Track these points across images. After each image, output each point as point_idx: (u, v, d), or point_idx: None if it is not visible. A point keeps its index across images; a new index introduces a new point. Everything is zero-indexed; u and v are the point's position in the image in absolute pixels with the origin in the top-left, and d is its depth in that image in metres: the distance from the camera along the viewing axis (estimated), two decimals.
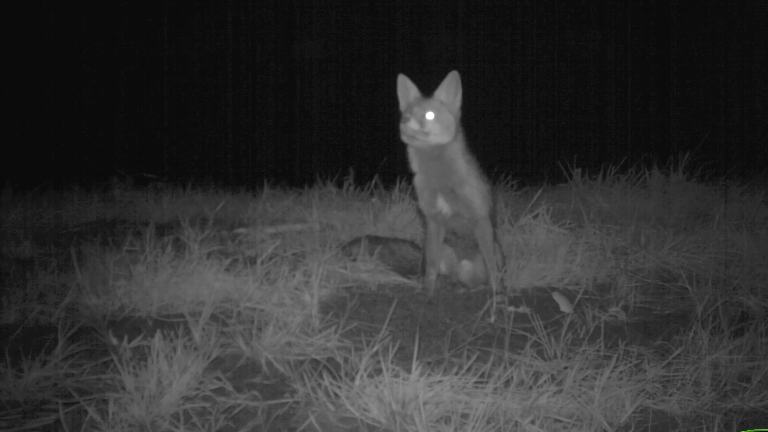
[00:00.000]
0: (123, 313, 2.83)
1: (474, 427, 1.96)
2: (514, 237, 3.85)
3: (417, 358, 2.17)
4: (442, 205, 3.10)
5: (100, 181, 5.31)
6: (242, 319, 2.73)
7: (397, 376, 2.12)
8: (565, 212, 4.24)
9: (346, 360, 2.39)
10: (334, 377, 2.20)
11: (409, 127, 2.94)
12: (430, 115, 2.96)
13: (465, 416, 2.03)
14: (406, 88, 3.06)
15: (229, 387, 2.23)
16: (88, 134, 7.66)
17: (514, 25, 8.18)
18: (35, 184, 4.99)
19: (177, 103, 7.88)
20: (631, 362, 2.38)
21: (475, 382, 2.20)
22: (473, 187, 3.09)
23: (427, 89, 3.03)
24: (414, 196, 3.35)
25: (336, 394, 2.15)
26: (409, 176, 3.18)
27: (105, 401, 2.06)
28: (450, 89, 3.00)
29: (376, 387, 2.12)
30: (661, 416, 2.18)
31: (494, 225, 3.24)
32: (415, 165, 3.09)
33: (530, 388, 2.23)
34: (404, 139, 3.01)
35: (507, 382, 2.25)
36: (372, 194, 4.53)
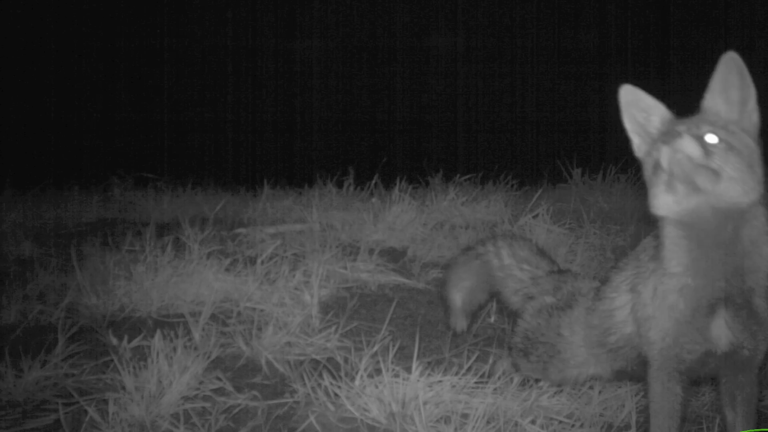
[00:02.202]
0: (123, 313, 2.83)
1: (474, 427, 1.96)
2: None
3: (417, 358, 2.17)
4: (721, 334, 1.73)
5: (100, 181, 5.30)
6: (242, 319, 2.73)
7: (397, 376, 2.12)
8: (565, 212, 4.23)
9: (346, 360, 2.39)
10: (334, 377, 2.20)
11: (682, 152, 1.56)
12: (711, 138, 1.59)
13: (465, 416, 2.03)
14: (640, 108, 1.75)
15: (229, 387, 2.23)
16: (88, 134, 7.66)
17: (514, 25, 8.18)
18: (35, 184, 4.99)
19: (177, 103, 7.88)
20: None
21: (476, 382, 2.20)
22: None
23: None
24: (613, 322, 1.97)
25: (336, 394, 2.15)
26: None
27: (105, 401, 2.06)
28: (730, 91, 1.68)
29: (376, 387, 2.12)
30: None
31: None
32: (676, 256, 1.71)
33: (530, 388, 2.23)
34: (657, 192, 1.66)
35: (507, 382, 2.25)
36: (372, 194, 4.53)
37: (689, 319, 1.72)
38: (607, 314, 1.98)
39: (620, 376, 2.07)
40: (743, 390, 1.82)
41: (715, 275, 1.68)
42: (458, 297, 2.52)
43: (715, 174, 1.56)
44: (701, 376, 1.93)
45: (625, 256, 2.07)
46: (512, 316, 2.42)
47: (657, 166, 1.63)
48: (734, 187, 1.58)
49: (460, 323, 2.54)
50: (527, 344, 2.25)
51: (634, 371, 1.97)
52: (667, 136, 1.61)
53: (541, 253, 2.47)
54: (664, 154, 1.59)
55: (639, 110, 1.75)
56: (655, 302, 1.79)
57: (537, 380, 2.28)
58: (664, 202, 1.65)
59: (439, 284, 2.75)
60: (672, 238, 1.70)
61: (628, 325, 1.91)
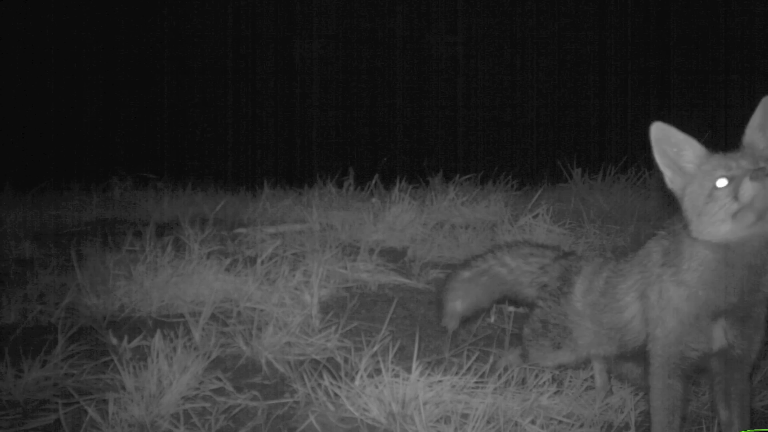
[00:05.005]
0: (123, 313, 2.83)
1: (474, 427, 1.96)
2: (514, 237, 3.85)
3: (417, 358, 2.17)
4: (719, 336, 1.89)
5: (100, 181, 5.30)
6: (242, 319, 2.73)
7: (397, 376, 2.12)
8: (565, 212, 4.23)
9: (346, 360, 2.39)
10: (334, 377, 2.20)
11: (751, 195, 1.71)
12: None
13: (465, 416, 2.03)
14: (671, 143, 1.86)
15: (229, 387, 2.23)
16: (88, 134, 7.66)
17: (514, 24, 8.18)
18: (35, 184, 4.98)
19: (177, 103, 7.88)
20: None
21: (475, 382, 2.20)
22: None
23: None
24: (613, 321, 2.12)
25: (336, 394, 2.15)
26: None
27: (105, 401, 2.06)
28: None
29: (376, 387, 2.12)
30: None
31: None
32: (698, 272, 1.85)
33: (531, 388, 2.23)
34: (723, 222, 1.77)
35: (507, 382, 2.25)
36: (372, 194, 4.53)
37: (693, 322, 1.86)
38: (622, 324, 2.08)
39: (625, 357, 2.18)
40: (737, 386, 1.90)
41: (731, 292, 1.82)
42: (459, 304, 2.57)
43: None
44: (696, 373, 2.04)
45: (626, 260, 2.15)
46: (531, 307, 2.45)
47: (715, 197, 1.76)
48: None
49: (452, 324, 2.59)
50: (543, 327, 2.32)
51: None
52: (761, 174, 1.70)
53: (542, 245, 2.59)
54: (750, 189, 1.71)
55: (670, 145, 1.86)
56: (660, 304, 1.91)
57: (541, 369, 2.28)
58: (718, 229, 1.77)
59: (439, 288, 2.76)
60: (701, 257, 1.83)
61: (643, 333, 2.01)
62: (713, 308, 1.85)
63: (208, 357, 2.33)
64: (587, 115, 8.01)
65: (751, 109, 1.88)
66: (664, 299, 1.90)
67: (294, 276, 2.99)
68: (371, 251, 3.47)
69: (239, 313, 2.77)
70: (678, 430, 1.89)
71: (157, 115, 7.85)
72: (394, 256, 3.61)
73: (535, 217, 3.94)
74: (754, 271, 1.81)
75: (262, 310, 2.75)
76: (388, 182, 4.60)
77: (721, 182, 1.76)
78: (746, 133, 1.85)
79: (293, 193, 4.99)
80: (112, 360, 2.26)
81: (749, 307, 1.85)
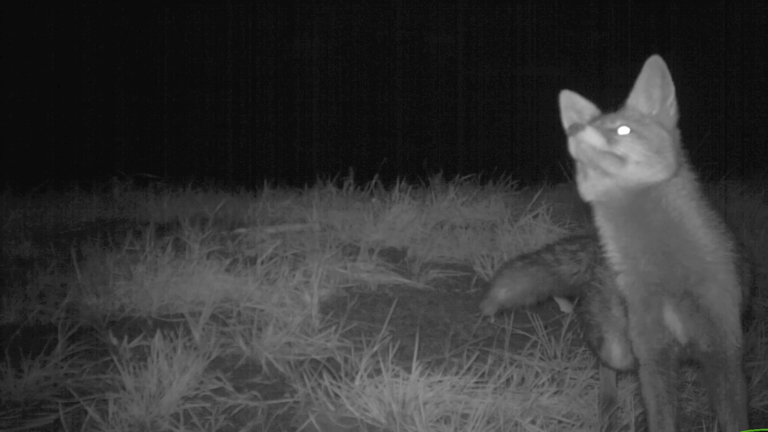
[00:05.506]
0: (123, 313, 2.83)
1: (474, 427, 1.96)
2: (514, 237, 3.85)
3: (417, 358, 2.17)
4: (674, 325, 1.84)
5: (100, 181, 5.29)
6: (242, 319, 2.73)
7: (397, 376, 2.13)
8: (565, 212, 4.23)
9: (346, 360, 2.39)
10: (334, 377, 2.20)
11: (584, 142, 1.73)
12: (624, 130, 1.74)
13: (465, 416, 2.03)
14: (576, 109, 1.95)
15: (229, 387, 2.23)
16: (88, 134, 7.66)
17: (514, 24, 8.19)
18: (35, 184, 4.98)
19: (177, 103, 7.89)
20: None
21: (475, 382, 2.20)
22: (725, 285, 1.81)
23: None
24: (589, 317, 2.20)
25: (336, 394, 2.15)
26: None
27: (105, 401, 2.06)
28: (652, 90, 1.82)
29: (376, 387, 2.12)
30: None
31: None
32: (610, 240, 1.84)
33: (531, 388, 2.23)
34: (579, 179, 1.82)
35: (507, 382, 2.25)
36: (372, 194, 4.53)
37: (643, 310, 1.83)
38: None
39: None
40: (724, 387, 1.85)
41: (642, 258, 1.79)
42: (503, 292, 2.49)
43: (621, 159, 1.72)
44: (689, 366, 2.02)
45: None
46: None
47: (572, 136, 1.77)
48: (641, 169, 1.72)
49: (488, 309, 2.53)
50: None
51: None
52: (574, 129, 1.75)
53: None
54: (570, 144, 1.75)
55: (575, 111, 1.94)
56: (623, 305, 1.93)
57: (537, 379, 2.28)
58: (584, 187, 1.80)
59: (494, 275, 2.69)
60: (599, 220, 1.83)
61: None
62: (646, 285, 1.81)
63: (208, 357, 2.34)
64: None
65: (751, 109, 1.89)
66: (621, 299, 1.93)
67: (294, 276, 2.99)
68: (371, 251, 3.47)
69: (239, 313, 2.77)
70: (671, 419, 1.87)
71: (157, 115, 7.86)
72: (394, 256, 3.61)
73: (535, 217, 3.94)
74: (650, 228, 1.77)
75: (262, 310, 2.75)
76: (388, 182, 4.59)
77: (569, 141, 1.77)
78: (630, 95, 1.85)
79: (293, 193, 4.98)
80: (112, 360, 2.26)
81: (688, 287, 1.78)
